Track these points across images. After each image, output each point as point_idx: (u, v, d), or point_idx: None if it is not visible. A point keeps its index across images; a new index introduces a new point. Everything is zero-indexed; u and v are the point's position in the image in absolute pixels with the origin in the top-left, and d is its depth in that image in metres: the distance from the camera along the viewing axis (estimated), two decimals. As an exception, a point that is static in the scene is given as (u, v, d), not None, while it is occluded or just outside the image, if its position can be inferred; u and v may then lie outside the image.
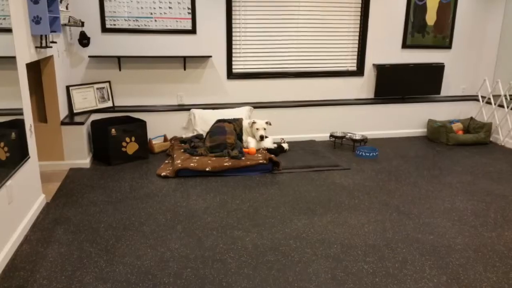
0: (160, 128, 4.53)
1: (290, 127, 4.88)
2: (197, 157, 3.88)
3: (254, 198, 3.24)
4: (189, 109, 4.56)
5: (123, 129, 3.95)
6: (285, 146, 4.39)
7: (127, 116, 4.32)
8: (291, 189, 3.43)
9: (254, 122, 4.22)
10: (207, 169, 3.66)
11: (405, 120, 5.19)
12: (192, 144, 4.15)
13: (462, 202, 3.23)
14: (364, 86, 5.10)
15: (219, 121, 4.25)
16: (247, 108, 4.64)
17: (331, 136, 4.71)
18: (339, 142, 4.79)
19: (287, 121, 4.85)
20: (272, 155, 3.90)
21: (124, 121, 4.24)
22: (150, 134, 4.44)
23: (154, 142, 4.41)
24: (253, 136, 4.22)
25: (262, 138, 4.16)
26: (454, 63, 5.29)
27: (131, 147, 4.03)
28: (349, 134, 4.73)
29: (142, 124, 4.11)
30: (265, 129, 4.20)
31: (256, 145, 4.16)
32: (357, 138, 4.61)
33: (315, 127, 4.95)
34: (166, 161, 4.05)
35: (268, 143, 4.25)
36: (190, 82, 4.65)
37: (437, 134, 4.92)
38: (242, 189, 3.42)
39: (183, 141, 4.36)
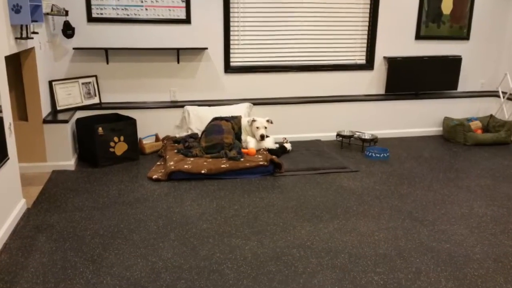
0: (152, 127, 4.54)
1: (293, 125, 4.88)
2: (191, 159, 3.88)
3: (254, 203, 3.24)
4: (183, 106, 4.56)
5: (110, 128, 3.95)
6: (288, 146, 4.40)
7: (115, 113, 4.32)
8: (295, 193, 3.43)
9: (254, 120, 4.23)
10: (203, 171, 3.67)
11: (418, 118, 5.20)
12: (186, 144, 4.15)
13: (481, 207, 3.24)
14: (373, 81, 5.11)
15: (215, 119, 4.26)
16: (246, 105, 4.64)
17: (338, 135, 4.72)
18: (346, 142, 4.80)
19: (290, 119, 4.86)
20: (274, 156, 3.91)
21: (112, 119, 4.24)
22: (140, 134, 4.45)
23: (144, 142, 4.41)
24: (253, 136, 4.23)
25: (262, 137, 4.17)
26: (472, 55, 5.30)
27: (120, 148, 4.04)
28: (357, 133, 4.73)
29: (132, 122, 4.11)
30: (266, 127, 4.21)
31: (256, 145, 4.17)
32: (366, 137, 4.62)
33: (320, 125, 4.96)
34: (158, 163, 4.05)
35: (269, 143, 4.25)
36: (184, 77, 4.65)
37: (453, 133, 4.92)
38: (241, 193, 3.42)
39: (176, 140, 4.36)
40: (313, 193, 3.45)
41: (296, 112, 4.85)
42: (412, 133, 5.22)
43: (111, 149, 3.99)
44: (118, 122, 4.04)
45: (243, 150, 4.05)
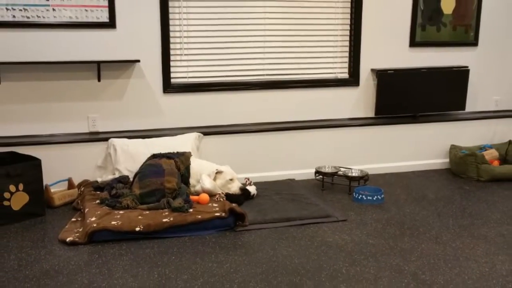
0: (63, 169, 4.45)
1: (257, 161, 4.95)
2: (121, 212, 3.82)
3: (210, 271, 3.22)
4: (107, 139, 4.52)
5: (4, 172, 3.84)
6: (252, 189, 4.43)
7: (11, 152, 4.22)
8: (264, 254, 3.44)
9: (220, 172, 4.31)
10: (138, 228, 3.62)
11: (418, 147, 5.43)
12: (113, 192, 4.10)
13: (504, 263, 3.37)
14: (360, 101, 5.30)
15: (154, 156, 4.24)
16: (193, 135, 4.67)
17: (317, 172, 4.82)
18: (328, 182, 4.90)
19: (253, 152, 4.92)
20: (234, 204, 3.92)
21: (5, 160, 4.13)
22: (47, 179, 4.34)
23: (53, 190, 4.31)
24: (224, 191, 4.27)
25: (243, 189, 4.31)
26: (482, 65, 5.62)
27: (18, 200, 3.92)
28: (342, 170, 4.85)
29: (35, 163, 4.01)
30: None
31: (214, 186, 4.19)
32: (354, 175, 4.74)
33: (293, 160, 5.05)
34: (73, 219, 3.96)
35: (235, 187, 4.31)
36: (107, 99, 4.63)
37: (463, 166, 5.15)
38: (191, 257, 3.39)
39: (98, 187, 4.29)
40: (289, 252, 3.48)
41: (262, 143, 4.93)
42: (411, 166, 5.42)
43: (6, 203, 3.86)
44: (15, 165, 3.92)
45: (192, 198, 4.04)
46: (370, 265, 3.31)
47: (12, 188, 3.89)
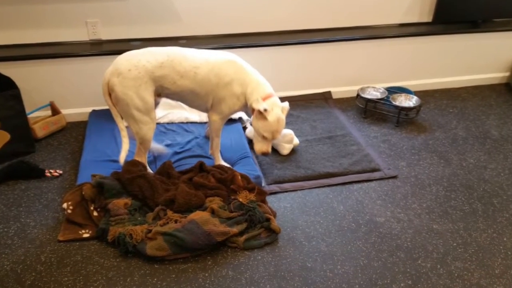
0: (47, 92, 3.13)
1: (290, 77, 3.56)
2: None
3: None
4: (117, 53, 3.09)
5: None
6: (295, 140, 2.94)
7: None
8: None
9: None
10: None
11: (478, 59, 3.91)
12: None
13: None
14: (415, 4, 3.64)
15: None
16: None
17: (359, 97, 3.43)
18: (370, 107, 3.49)
19: (286, 66, 3.50)
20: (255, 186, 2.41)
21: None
22: (29, 106, 3.08)
23: (32, 119, 3.04)
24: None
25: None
26: None
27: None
28: (386, 93, 3.44)
29: (12, 94, 2.72)
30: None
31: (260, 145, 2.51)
32: (404, 105, 3.33)
33: (330, 75, 3.64)
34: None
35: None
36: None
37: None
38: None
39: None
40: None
41: (294, 56, 3.48)
42: (463, 82, 3.96)
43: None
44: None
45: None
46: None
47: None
